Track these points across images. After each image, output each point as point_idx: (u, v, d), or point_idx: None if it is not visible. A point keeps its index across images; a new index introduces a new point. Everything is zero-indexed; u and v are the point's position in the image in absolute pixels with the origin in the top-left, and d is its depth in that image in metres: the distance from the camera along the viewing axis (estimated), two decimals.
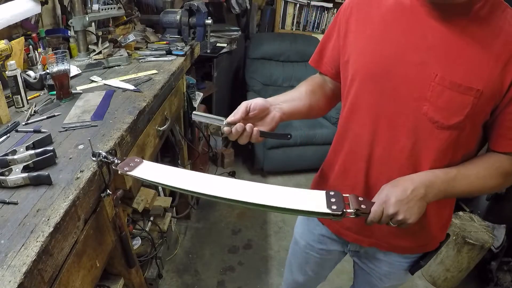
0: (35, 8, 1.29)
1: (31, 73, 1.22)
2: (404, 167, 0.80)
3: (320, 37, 3.15)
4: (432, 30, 0.72)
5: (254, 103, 0.80)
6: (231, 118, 0.78)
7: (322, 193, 0.73)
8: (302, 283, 1.26)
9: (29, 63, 1.29)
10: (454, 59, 0.70)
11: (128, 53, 1.55)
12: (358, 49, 0.83)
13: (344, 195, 0.72)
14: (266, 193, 0.72)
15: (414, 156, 0.78)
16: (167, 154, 2.07)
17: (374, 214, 0.72)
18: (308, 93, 0.94)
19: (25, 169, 0.77)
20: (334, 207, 0.69)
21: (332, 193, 0.72)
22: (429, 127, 0.75)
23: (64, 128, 0.98)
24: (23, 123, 1.00)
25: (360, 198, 0.73)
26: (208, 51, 2.14)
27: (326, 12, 3.46)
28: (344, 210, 0.69)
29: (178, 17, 1.78)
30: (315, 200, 0.71)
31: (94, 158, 0.82)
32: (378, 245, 0.95)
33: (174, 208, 2.13)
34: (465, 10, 0.69)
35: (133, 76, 1.37)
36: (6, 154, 0.80)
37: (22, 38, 1.22)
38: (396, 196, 0.72)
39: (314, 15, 3.49)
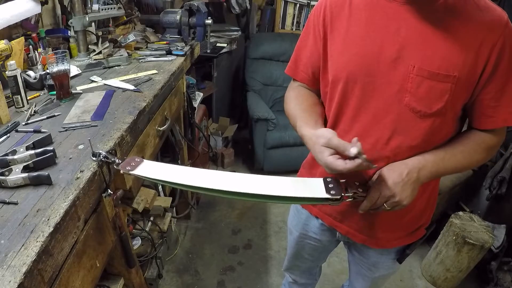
0: (35, 8, 1.29)
1: (31, 73, 1.22)
2: (390, 160, 0.82)
3: None
4: (405, 24, 0.75)
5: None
6: (355, 148, 0.69)
7: (320, 180, 0.75)
8: (302, 266, 1.30)
9: (29, 63, 1.29)
10: (429, 49, 0.73)
11: (128, 53, 1.55)
12: (337, 52, 0.84)
13: (341, 180, 0.74)
14: (266, 184, 0.74)
15: (399, 147, 0.80)
16: (167, 154, 2.07)
17: (371, 197, 0.75)
18: (315, 103, 0.95)
19: (25, 169, 0.77)
20: (332, 192, 0.71)
21: (329, 179, 0.75)
22: (412, 118, 0.77)
23: (64, 128, 0.98)
24: (23, 123, 1.00)
25: (357, 183, 0.76)
26: (208, 51, 2.14)
27: None
28: (343, 194, 0.72)
29: (178, 17, 1.78)
30: (313, 187, 0.74)
31: (94, 158, 0.82)
32: (369, 242, 0.97)
33: (174, 208, 2.13)
34: (431, 0, 0.73)
35: (133, 76, 1.37)
36: (6, 154, 0.80)
37: (22, 38, 1.22)
38: (392, 179, 0.75)
39: None
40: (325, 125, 0.93)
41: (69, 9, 1.53)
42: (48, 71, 1.17)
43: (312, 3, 3.39)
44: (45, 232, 0.63)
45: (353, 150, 0.68)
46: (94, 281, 0.87)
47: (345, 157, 0.70)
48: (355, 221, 0.94)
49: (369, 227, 0.94)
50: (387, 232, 0.95)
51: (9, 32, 1.30)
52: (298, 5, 3.43)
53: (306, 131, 0.83)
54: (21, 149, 0.82)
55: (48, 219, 0.66)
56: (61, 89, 1.14)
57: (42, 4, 1.33)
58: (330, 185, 0.73)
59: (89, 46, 1.56)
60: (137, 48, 1.70)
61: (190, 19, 1.76)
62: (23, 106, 1.08)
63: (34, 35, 1.30)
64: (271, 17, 3.53)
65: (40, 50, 1.32)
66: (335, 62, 0.84)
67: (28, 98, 1.11)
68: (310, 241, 1.13)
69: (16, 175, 0.74)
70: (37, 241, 0.62)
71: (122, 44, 1.62)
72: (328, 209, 0.99)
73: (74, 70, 1.35)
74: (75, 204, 0.73)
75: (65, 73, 1.13)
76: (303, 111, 0.91)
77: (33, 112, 1.06)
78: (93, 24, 1.52)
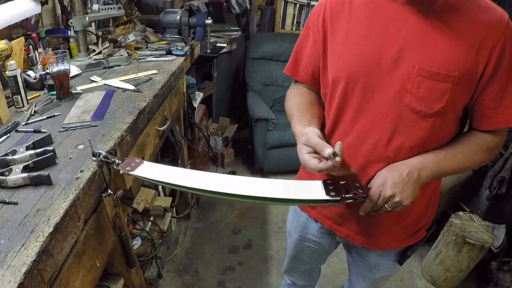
0: (35, 8, 1.29)
1: (31, 73, 1.22)
2: (391, 160, 0.81)
3: None
4: (405, 24, 0.75)
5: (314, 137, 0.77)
6: (331, 149, 0.71)
7: (319, 182, 0.75)
8: (301, 269, 1.29)
9: (29, 63, 1.29)
10: (429, 49, 0.73)
11: (128, 53, 1.55)
12: (337, 53, 0.84)
13: (341, 182, 0.74)
14: (266, 186, 0.74)
15: (400, 148, 0.80)
16: (167, 154, 2.07)
17: (372, 197, 0.75)
18: (313, 102, 0.95)
19: (25, 169, 0.77)
20: (332, 193, 0.71)
21: (329, 181, 0.75)
22: (412, 118, 0.77)
23: (64, 128, 0.98)
24: (23, 123, 1.00)
25: (357, 184, 0.75)
26: (208, 51, 2.14)
27: None
28: (343, 195, 0.71)
29: (178, 17, 1.78)
30: (313, 189, 0.74)
31: (94, 158, 0.82)
32: (369, 244, 0.97)
33: (174, 208, 2.13)
34: (432, 0, 0.73)
35: (133, 76, 1.37)
36: (6, 154, 0.80)
37: (22, 38, 1.22)
38: (393, 179, 0.75)
39: None
40: (325, 125, 0.93)
41: (69, 9, 1.53)
42: (48, 71, 1.17)
43: (312, 3, 3.39)
44: (45, 232, 0.63)
45: (327, 151, 0.69)
46: (94, 281, 0.87)
47: (324, 157, 0.72)
48: (354, 224, 0.94)
49: (369, 230, 0.93)
50: (387, 235, 0.94)
51: (9, 32, 1.30)
52: (298, 5, 3.43)
53: (297, 129, 0.85)
54: (21, 149, 0.82)
55: (48, 219, 0.66)
56: (61, 89, 1.14)
57: (42, 4, 1.33)
58: (330, 187, 0.73)
59: (89, 46, 1.56)
60: (137, 48, 1.70)
61: (190, 19, 1.76)
62: (23, 106, 1.08)
63: (34, 35, 1.30)
64: (271, 17, 3.53)
65: (40, 50, 1.32)
66: (336, 63, 0.84)
67: (28, 98, 1.11)
68: (310, 243, 1.12)
69: (16, 175, 0.74)
70: (37, 241, 0.62)
71: (122, 44, 1.62)
72: (327, 212, 0.98)
73: (74, 70, 1.35)
74: (75, 204, 0.73)
75: (65, 73, 1.13)
76: (299, 110, 0.92)
77: (33, 112, 1.06)
78: (93, 24, 1.52)
